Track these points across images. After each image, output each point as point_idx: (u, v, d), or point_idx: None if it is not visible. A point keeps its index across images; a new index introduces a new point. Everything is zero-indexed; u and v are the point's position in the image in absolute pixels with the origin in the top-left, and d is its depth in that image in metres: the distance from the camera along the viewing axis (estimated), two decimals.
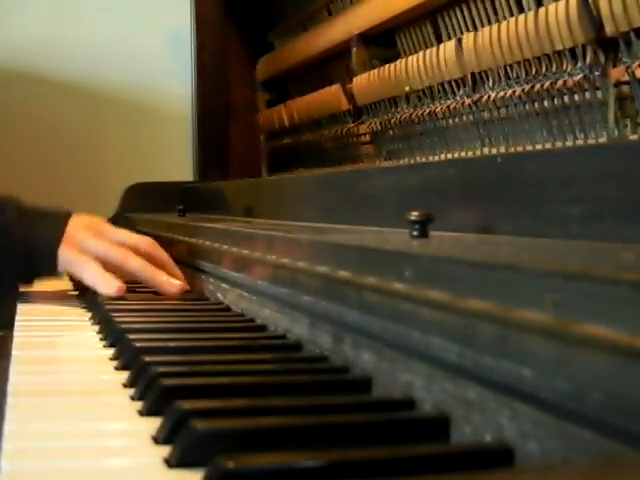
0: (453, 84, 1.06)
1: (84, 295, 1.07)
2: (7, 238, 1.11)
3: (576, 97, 0.85)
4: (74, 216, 1.15)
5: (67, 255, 1.10)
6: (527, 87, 0.91)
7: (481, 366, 0.43)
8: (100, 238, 1.13)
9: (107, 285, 1.05)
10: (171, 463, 0.44)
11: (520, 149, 0.94)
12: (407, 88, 1.16)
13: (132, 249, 1.12)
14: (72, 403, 0.56)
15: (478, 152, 1.02)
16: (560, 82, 0.86)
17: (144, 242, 1.16)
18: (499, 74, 0.96)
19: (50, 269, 1.11)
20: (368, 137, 1.35)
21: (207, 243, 1.05)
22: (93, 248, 1.11)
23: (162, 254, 1.15)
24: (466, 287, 0.45)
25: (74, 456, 0.45)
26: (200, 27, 2.06)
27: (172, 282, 1.10)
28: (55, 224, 1.13)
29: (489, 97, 0.98)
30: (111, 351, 0.71)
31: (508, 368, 0.41)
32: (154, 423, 0.49)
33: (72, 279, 1.23)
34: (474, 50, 0.98)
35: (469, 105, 1.02)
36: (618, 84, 0.79)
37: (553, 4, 0.84)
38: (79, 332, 0.83)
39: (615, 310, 0.34)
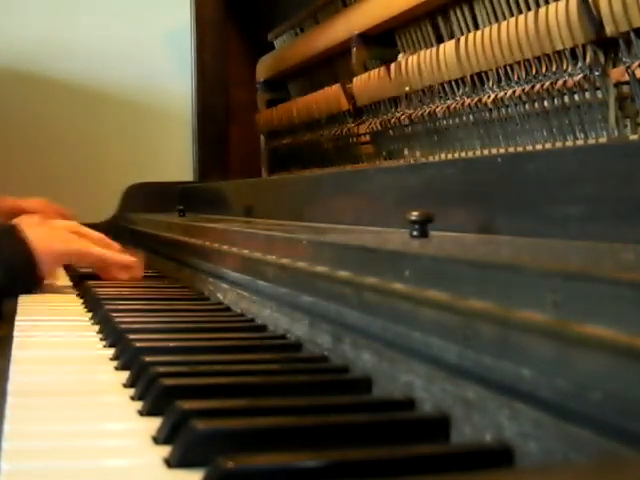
0: (453, 84, 1.06)
1: (84, 295, 1.07)
2: None
3: (576, 97, 0.85)
4: (15, 222, 1.14)
5: (58, 249, 1.12)
6: (527, 87, 0.91)
7: (481, 366, 0.43)
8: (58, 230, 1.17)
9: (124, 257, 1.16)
10: (171, 463, 0.43)
11: (520, 149, 0.94)
12: (407, 88, 1.16)
13: (81, 235, 1.18)
14: (72, 403, 0.56)
15: (478, 152, 1.02)
16: (560, 82, 0.86)
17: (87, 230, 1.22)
18: (499, 74, 0.96)
19: (33, 280, 1.09)
20: (368, 137, 1.35)
21: (207, 243, 1.05)
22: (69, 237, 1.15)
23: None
24: (466, 287, 0.45)
25: (74, 456, 0.45)
26: (200, 27, 2.06)
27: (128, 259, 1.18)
28: (9, 236, 1.08)
29: (489, 97, 0.98)
30: (111, 351, 0.71)
31: (508, 368, 0.41)
32: (154, 423, 0.49)
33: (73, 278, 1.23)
34: (474, 50, 0.98)
35: (469, 105, 1.02)
36: (618, 84, 0.79)
37: (553, 4, 0.84)
38: (79, 332, 0.83)
39: (615, 310, 0.34)
